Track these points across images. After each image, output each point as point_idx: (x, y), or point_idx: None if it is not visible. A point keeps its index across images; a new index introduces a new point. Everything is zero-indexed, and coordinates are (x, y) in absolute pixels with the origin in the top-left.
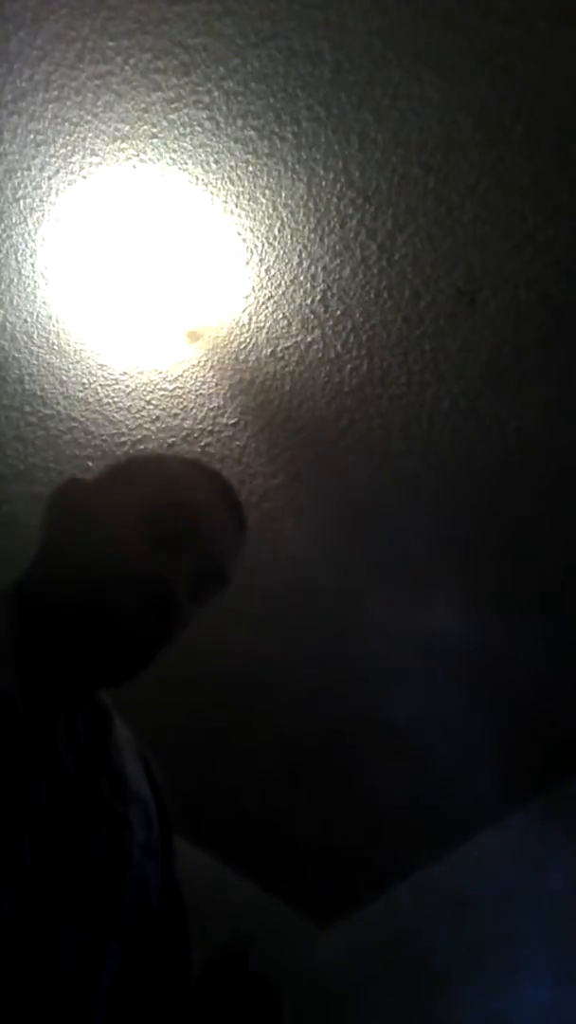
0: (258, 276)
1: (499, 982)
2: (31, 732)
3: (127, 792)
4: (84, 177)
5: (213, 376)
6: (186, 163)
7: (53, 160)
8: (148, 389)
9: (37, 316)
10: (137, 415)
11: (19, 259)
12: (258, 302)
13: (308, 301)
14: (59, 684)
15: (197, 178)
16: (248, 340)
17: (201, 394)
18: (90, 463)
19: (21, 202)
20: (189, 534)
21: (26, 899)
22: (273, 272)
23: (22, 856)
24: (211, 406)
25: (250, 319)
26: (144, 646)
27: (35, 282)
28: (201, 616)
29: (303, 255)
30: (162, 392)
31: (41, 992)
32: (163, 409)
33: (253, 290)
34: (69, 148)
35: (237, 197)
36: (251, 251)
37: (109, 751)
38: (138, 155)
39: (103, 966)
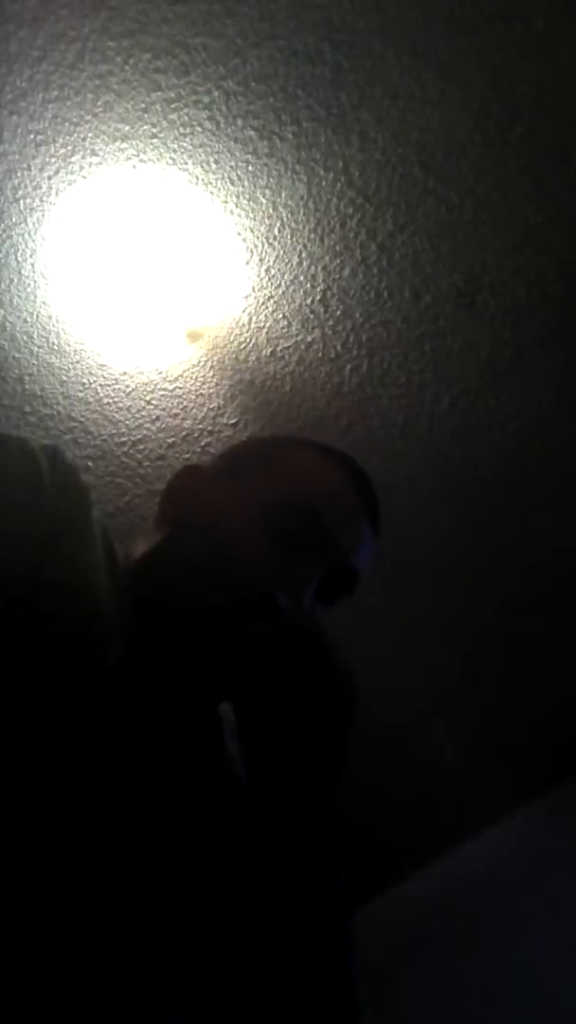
0: (258, 276)
1: (499, 981)
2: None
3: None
4: (84, 177)
5: (213, 376)
6: (186, 163)
7: (53, 160)
8: (148, 389)
9: (37, 316)
10: (137, 415)
11: (19, 259)
12: (258, 302)
13: (308, 301)
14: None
15: (197, 178)
16: (248, 340)
17: (201, 394)
18: (90, 463)
19: (21, 202)
20: (315, 531)
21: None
22: (273, 272)
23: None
24: (211, 406)
25: (250, 319)
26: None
27: (35, 282)
28: None
29: (303, 255)
30: (162, 392)
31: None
32: (163, 409)
33: (253, 290)
34: (69, 148)
35: (237, 197)
36: (251, 251)
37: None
38: (138, 155)
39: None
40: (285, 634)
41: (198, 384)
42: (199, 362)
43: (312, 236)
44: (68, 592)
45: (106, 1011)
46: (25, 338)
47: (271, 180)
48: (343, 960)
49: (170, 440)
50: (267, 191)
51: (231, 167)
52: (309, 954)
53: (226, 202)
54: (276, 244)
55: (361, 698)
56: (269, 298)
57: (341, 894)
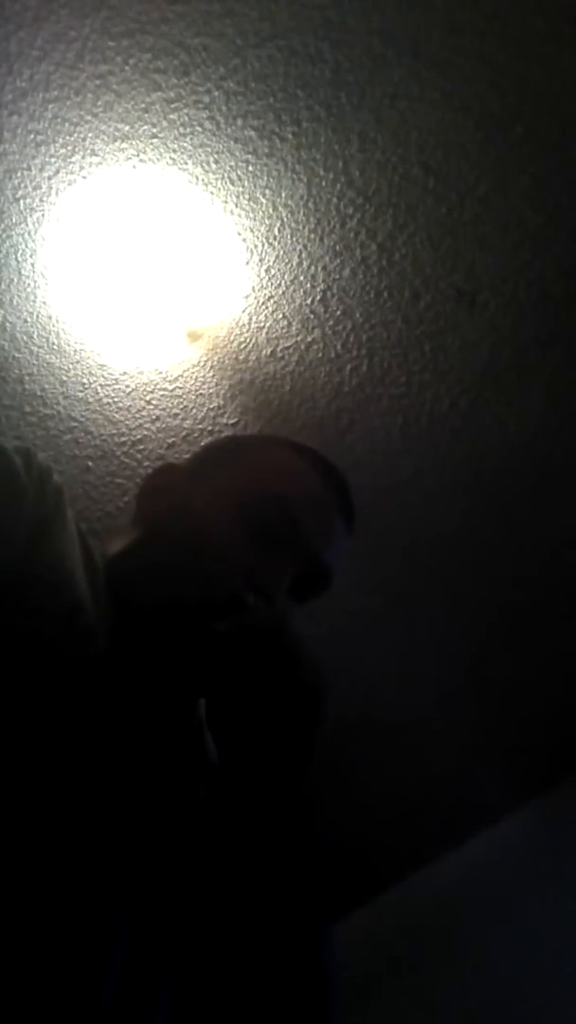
0: (258, 276)
1: (499, 981)
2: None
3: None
4: (84, 177)
5: (213, 376)
6: (186, 163)
7: (53, 160)
8: (148, 389)
9: (37, 316)
10: (137, 415)
11: (19, 259)
12: (258, 302)
13: (308, 301)
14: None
15: (197, 178)
16: (248, 340)
17: (201, 394)
18: (90, 463)
19: (21, 202)
20: (288, 528)
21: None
22: (273, 272)
23: (207, 808)
24: (211, 406)
25: (250, 319)
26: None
27: (35, 282)
28: None
29: (303, 255)
30: (162, 392)
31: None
32: (163, 409)
33: (253, 290)
34: (69, 148)
35: (237, 197)
36: (251, 251)
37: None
38: (138, 155)
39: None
40: (252, 633)
41: (198, 384)
42: (199, 362)
43: (312, 236)
44: (52, 589)
45: (85, 989)
46: (25, 338)
47: (271, 180)
48: (314, 946)
49: (170, 440)
50: (267, 191)
51: (231, 167)
52: (280, 939)
53: (226, 202)
54: (276, 244)
55: (330, 693)
56: (269, 298)
57: (310, 880)
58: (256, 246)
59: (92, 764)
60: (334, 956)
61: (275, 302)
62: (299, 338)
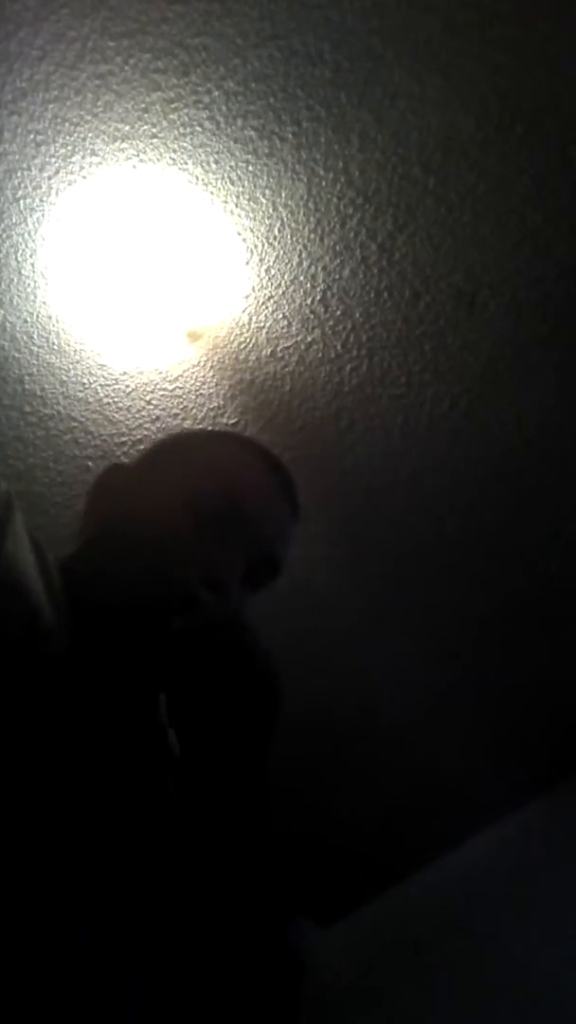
0: (258, 276)
1: (500, 981)
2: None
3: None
4: (84, 177)
5: (213, 376)
6: (186, 163)
7: (53, 160)
8: (148, 389)
9: (37, 316)
10: (137, 415)
11: (19, 259)
12: (258, 302)
13: (308, 301)
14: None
15: (197, 178)
16: (248, 340)
17: (201, 394)
18: (90, 463)
19: (21, 202)
20: (237, 519)
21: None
22: (273, 272)
23: (172, 802)
24: (211, 406)
25: (250, 319)
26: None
27: (35, 282)
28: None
29: (303, 255)
30: (162, 392)
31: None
32: (163, 409)
33: (253, 290)
34: (69, 148)
35: (237, 197)
36: (251, 251)
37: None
38: (138, 155)
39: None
40: (207, 630)
41: (198, 384)
42: (199, 362)
43: (312, 236)
44: (11, 591)
45: (53, 983)
46: (25, 338)
47: (271, 180)
48: (278, 941)
49: None
50: (267, 191)
51: (231, 167)
52: (243, 930)
53: (226, 202)
54: (276, 244)
55: (283, 686)
56: (269, 298)
57: (271, 871)
58: (256, 246)
59: (58, 761)
60: (299, 949)
61: (275, 302)
62: (299, 338)
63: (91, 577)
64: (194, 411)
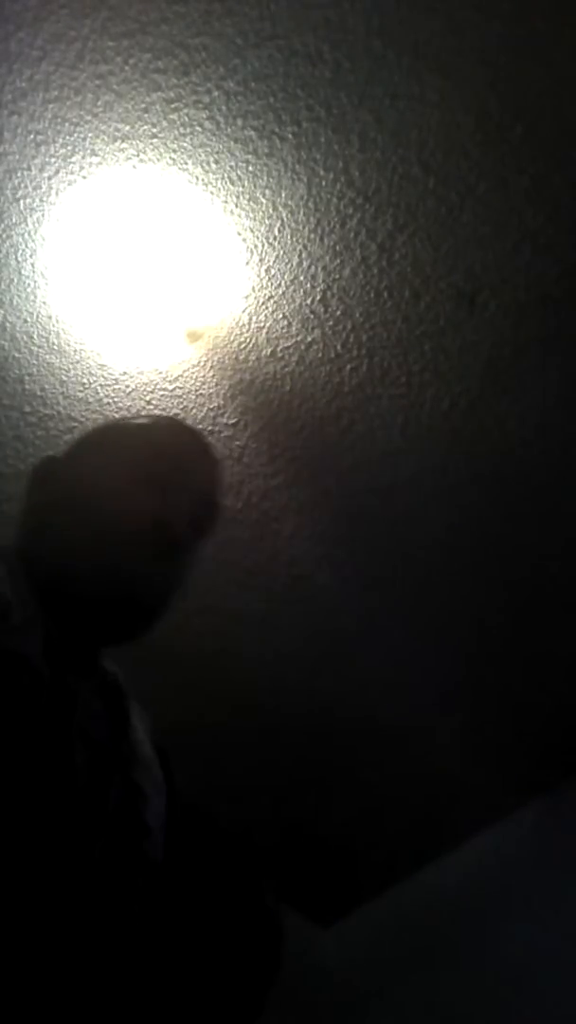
0: (258, 276)
1: (500, 981)
2: (58, 697)
3: (141, 759)
4: (84, 177)
5: (213, 376)
6: (186, 163)
7: (53, 160)
8: (148, 389)
9: (37, 316)
10: (137, 415)
11: (19, 259)
12: (258, 302)
13: (308, 301)
14: (76, 648)
15: (197, 178)
16: (248, 340)
17: (201, 394)
18: None
19: (21, 202)
20: (175, 469)
21: (70, 858)
22: (273, 272)
23: (72, 816)
24: (211, 406)
25: (250, 319)
26: (158, 590)
27: (35, 282)
28: (202, 614)
29: (303, 255)
30: (162, 392)
31: (67, 944)
32: (163, 409)
33: (253, 290)
34: (69, 148)
35: (237, 197)
36: (251, 251)
37: (127, 721)
38: (138, 155)
39: (128, 923)
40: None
41: (198, 384)
42: (199, 362)
43: (312, 236)
44: None
45: None
46: (25, 338)
47: (271, 180)
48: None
49: None
50: (267, 191)
51: (231, 167)
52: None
53: (226, 202)
54: (276, 244)
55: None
56: (269, 298)
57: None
58: (256, 246)
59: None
60: (278, 914)
61: (275, 302)
62: (299, 338)
63: (48, 561)
64: (194, 411)
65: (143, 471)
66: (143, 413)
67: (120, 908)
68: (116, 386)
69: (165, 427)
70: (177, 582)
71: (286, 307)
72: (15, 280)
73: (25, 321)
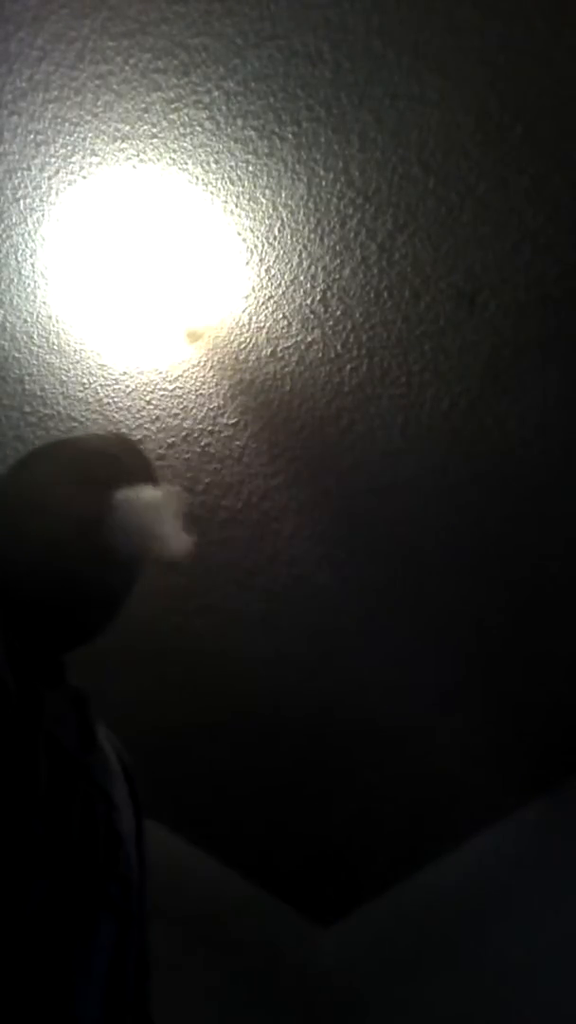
0: (258, 276)
1: (500, 981)
2: (24, 703)
3: (110, 772)
4: (84, 177)
5: (213, 376)
6: (186, 163)
7: (53, 160)
8: (148, 389)
9: (37, 316)
10: (137, 415)
11: (19, 259)
12: (258, 302)
13: (308, 301)
14: (39, 656)
15: (197, 178)
16: (248, 340)
17: (201, 394)
18: None
19: (21, 202)
20: (112, 466)
21: (39, 869)
22: (273, 272)
23: (32, 826)
24: (211, 406)
25: (250, 319)
26: (113, 586)
27: (35, 282)
28: (202, 614)
29: (303, 255)
30: (162, 392)
31: (37, 960)
32: (163, 409)
33: (253, 290)
34: (69, 148)
35: (237, 197)
36: (251, 251)
37: (94, 732)
38: (138, 155)
39: (98, 935)
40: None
41: (198, 384)
42: (199, 362)
43: (312, 236)
44: None
45: None
46: (25, 338)
47: (271, 180)
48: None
49: (170, 440)
50: (267, 191)
51: (231, 167)
52: None
53: (226, 202)
54: (276, 244)
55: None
56: (269, 298)
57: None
58: (256, 246)
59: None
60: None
61: (275, 302)
62: (299, 338)
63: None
64: (194, 411)
65: (78, 476)
66: (143, 414)
67: (85, 917)
68: (116, 386)
69: (96, 435)
70: (125, 581)
71: (286, 307)
72: (15, 280)
73: (25, 321)
